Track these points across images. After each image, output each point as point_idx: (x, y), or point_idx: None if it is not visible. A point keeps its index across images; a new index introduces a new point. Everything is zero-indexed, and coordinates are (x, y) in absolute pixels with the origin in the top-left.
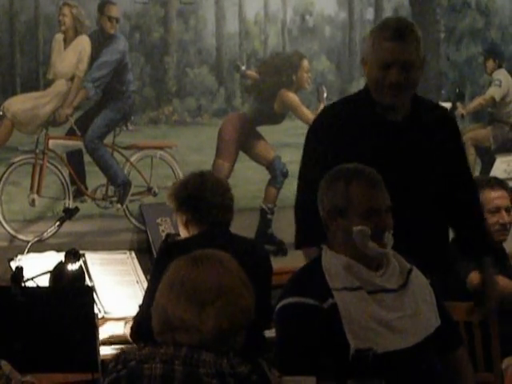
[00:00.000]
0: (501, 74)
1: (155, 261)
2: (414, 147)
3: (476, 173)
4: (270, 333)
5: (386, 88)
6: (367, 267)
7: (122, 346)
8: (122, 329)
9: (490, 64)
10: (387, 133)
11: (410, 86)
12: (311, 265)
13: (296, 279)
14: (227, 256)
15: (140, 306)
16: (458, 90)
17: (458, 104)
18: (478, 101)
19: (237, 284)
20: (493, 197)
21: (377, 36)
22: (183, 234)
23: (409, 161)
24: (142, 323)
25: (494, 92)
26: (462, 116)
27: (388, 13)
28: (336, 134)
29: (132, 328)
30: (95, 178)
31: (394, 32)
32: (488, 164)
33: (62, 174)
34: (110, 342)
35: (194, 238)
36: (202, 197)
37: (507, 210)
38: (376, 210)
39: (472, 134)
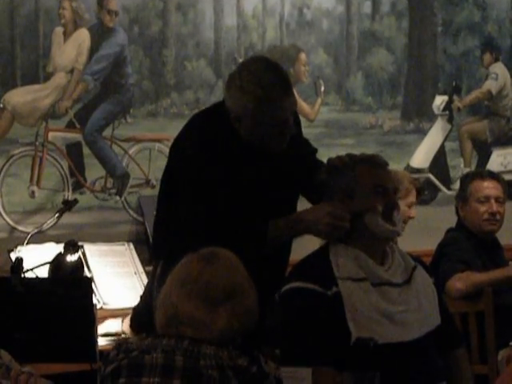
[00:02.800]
0: (497, 68)
1: None
2: (278, 171)
3: (473, 166)
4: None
5: (280, 142)
6: (373, 260)
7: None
8: (119, 325)
9: (487, 57)
10: (257, 161)
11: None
12: (318, 252)
13: (302, 265)
14: (233, 255)
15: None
16: (454, 84)
17: (455, 97)
18: (474, 94)
19: (245, 284)
20: (482, 186)
21: (261, 99)
22: None
23: (276, 184)
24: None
25: (490, 85)
26: (459, 109)
27: (385, 6)
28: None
29: (131, 318)
30: (94, 170)
31: (281, 89)
32: (484, 157)
33: (61, 166)
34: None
35: None
36: None
37: (498, 200)
38: (384, 188)
39: (468, 127)
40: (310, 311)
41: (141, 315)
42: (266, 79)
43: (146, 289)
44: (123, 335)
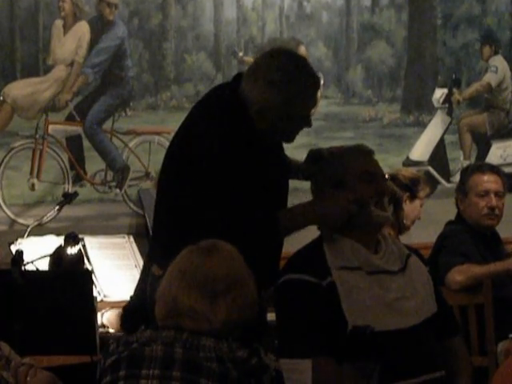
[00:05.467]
0: (497, 61)
1: None
2: (282, 164)
3: (472, 159)
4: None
5: (293, 135)
6: (367, 248)
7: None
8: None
9: (487, 50)
10: (268, 153)
11: None
12: (312, 244)
13: (297, 257)
14: (233, 247)
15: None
16: (454, 76)
17: (454, 90)
18: (474, 87)
19: (245, 276)
20: (482, 180)
21: (295, 93)
22: None
23: (282, 177)
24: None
25: (490, 78)
26: (458, 102)
27: None
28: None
29: (121, 317)
30: (94, 163)
31: (313, 86)
32: (484, 150)
33: (61, 158)
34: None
35: None
36: None
37: (497, 194)
38: (373, 174)
39: (468, 120)
40: (306, 302)
41: (134, 314)
42: (298, 77)
43: (137, 288)
44: (103, 329)
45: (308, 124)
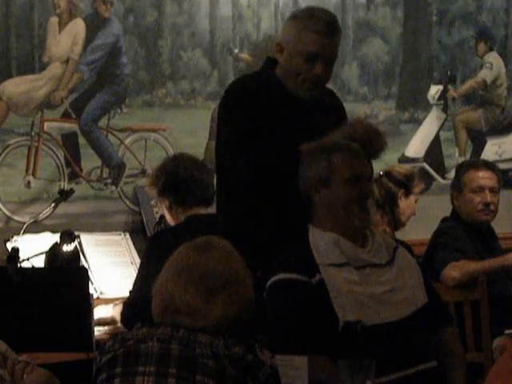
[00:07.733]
0: (492, 57)
1: (146, 248)
2: (318, 126)
3: (467, 155)
4: None
5: (308, 81)
6: (353, 243)
7: (113, 327)
8: (110, 311)
9: (482, 47)
10: (297, 110)
11: (328, 80)
12: (299, 242)
13: (284, 257)
14: (229, 244)
15: (131, 292)
16: (449, 73)
17: (450, 87)
18: (469, 83)
19: (241, 272)
20: (477, 177)
21: (305, 26)
22: (169, 219)
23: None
24: (132, 308)
25: (485, 75)
26: (454, 99)
27: None
28: (252, 110)
29: (122, 313)
30: (90, 160)
31: (325, 25)
32: (479, 146)
33: (57, 156)
34: (98, 324)
35: (182, 225)
36: (176, 175)
37: (492, 190)
38: (359, 177)
39: (463, 116)
40: (297, 301)
41: (132, 310)
42: (317, 15)
43: (144, 280)
44: (114, 325)
45: (317, 73)
